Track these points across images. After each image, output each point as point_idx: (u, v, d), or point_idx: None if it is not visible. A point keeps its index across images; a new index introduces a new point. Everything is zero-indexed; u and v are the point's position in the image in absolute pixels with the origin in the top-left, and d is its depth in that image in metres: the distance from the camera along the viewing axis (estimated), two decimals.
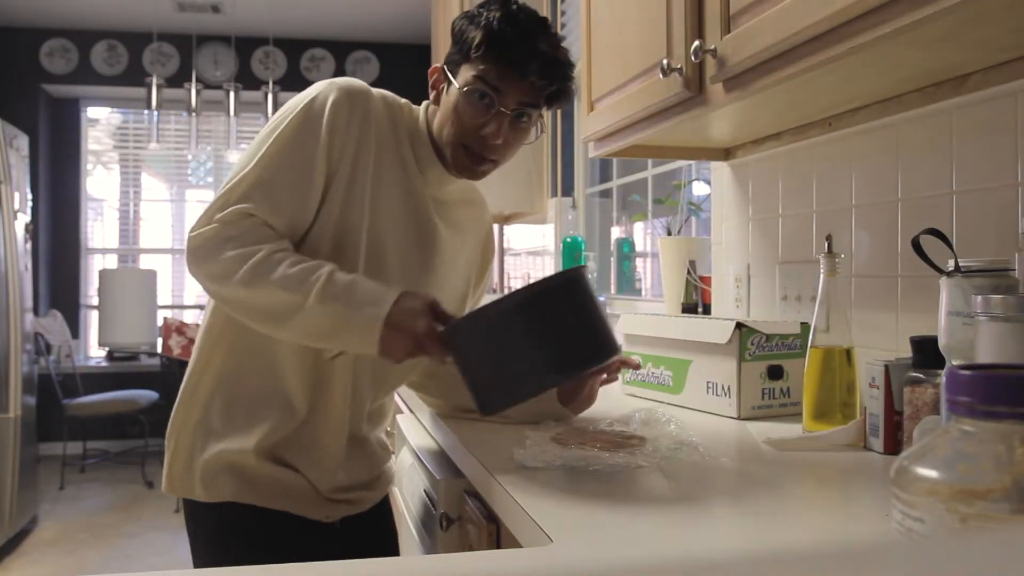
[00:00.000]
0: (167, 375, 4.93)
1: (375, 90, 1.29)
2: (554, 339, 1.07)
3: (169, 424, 1.32)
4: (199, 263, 1.15)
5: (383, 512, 1.48)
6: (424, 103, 1.34)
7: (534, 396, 1.17)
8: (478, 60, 1.21)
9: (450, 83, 1.25)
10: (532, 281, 1.09)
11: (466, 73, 1.22)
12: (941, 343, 1.02)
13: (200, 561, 1.34)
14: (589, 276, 1.14)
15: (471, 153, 1.25)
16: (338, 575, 0.74)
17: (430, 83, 1.30)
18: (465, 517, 1.21)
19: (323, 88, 1.24)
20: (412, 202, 1.30)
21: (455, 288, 1.41)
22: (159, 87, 4.94)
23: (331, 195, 1.21)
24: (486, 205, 1.51)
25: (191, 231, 1.16)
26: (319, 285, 1.08)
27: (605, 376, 1.40)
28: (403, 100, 1.34)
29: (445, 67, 1.27)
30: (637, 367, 1.54)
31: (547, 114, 1.32)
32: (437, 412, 1.49)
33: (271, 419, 1.25)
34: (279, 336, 1.17)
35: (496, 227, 4.28)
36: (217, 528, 1.31)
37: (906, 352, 1.14)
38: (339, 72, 5.90)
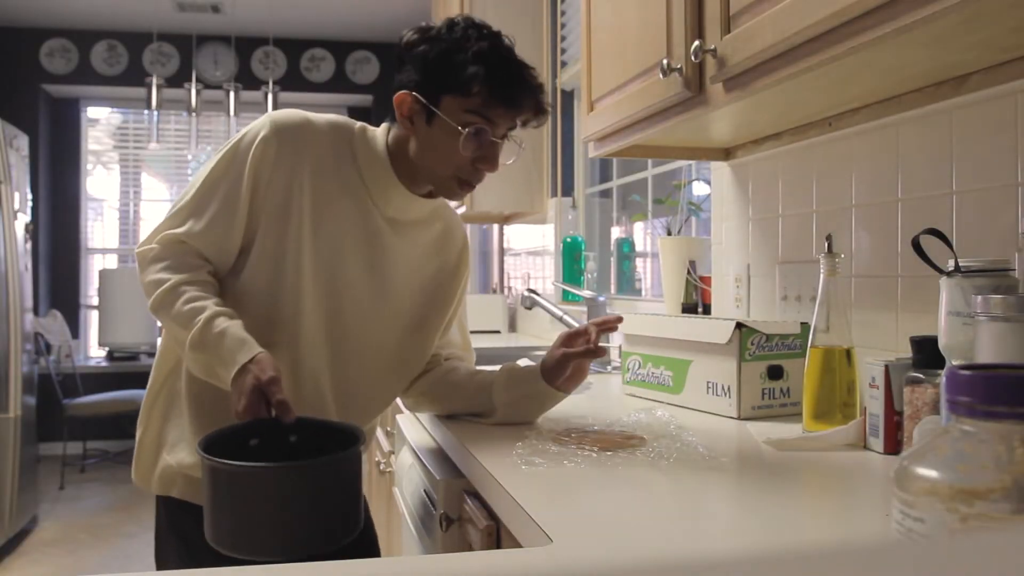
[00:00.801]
0: None
1: (320, 119, 1.32)
2: (292, 522, 1.05)
3: (139, 414, 1.37)
4: (139, 276, 1.27)
5: None
6: (384, 125, 1.33)
7: (265, 558, 1.08)
8: (475, 96, 1.20)
9: (431, 114, 1.23)
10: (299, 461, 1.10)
11: (457, 107, 1.22)
12: (941, 343, 1.02)
13: (157, 549, 1.39)
14: (357, 456, 1.12)
15: (462, 183, 1.28)
16: (338, 575, 0.74)
17: (398, 111, 1.27)
18: (465, 517, 1.21)
19: (256, 125, 1.29)
20: (361, 227, 1.31)
21: (422, 307, 1.40)
22: (159, 87, 4.94)
23: (263, 228, 1.27)
24: (458, 220, 1.49)
25: (137, 246, 1.29)
26: (194, 331, 1.16)
27: (590, 349, 1.33)
28: (357, 125, 1.34)
29: (421, 96, 1.23)
30: (619, 320, 1.43)
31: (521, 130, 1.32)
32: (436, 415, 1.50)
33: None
34: None
35: (496, 227, 4.28)
36: (167, 520, 1.36)
37: (906, 352, 1.14)
38: (339, 72, 5.90)
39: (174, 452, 1.31)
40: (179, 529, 1.33)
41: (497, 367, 1.42)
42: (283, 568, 0.72)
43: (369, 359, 1.36)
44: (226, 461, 1.04)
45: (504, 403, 1.35)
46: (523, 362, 2.13)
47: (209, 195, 1.26)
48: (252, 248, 1.27)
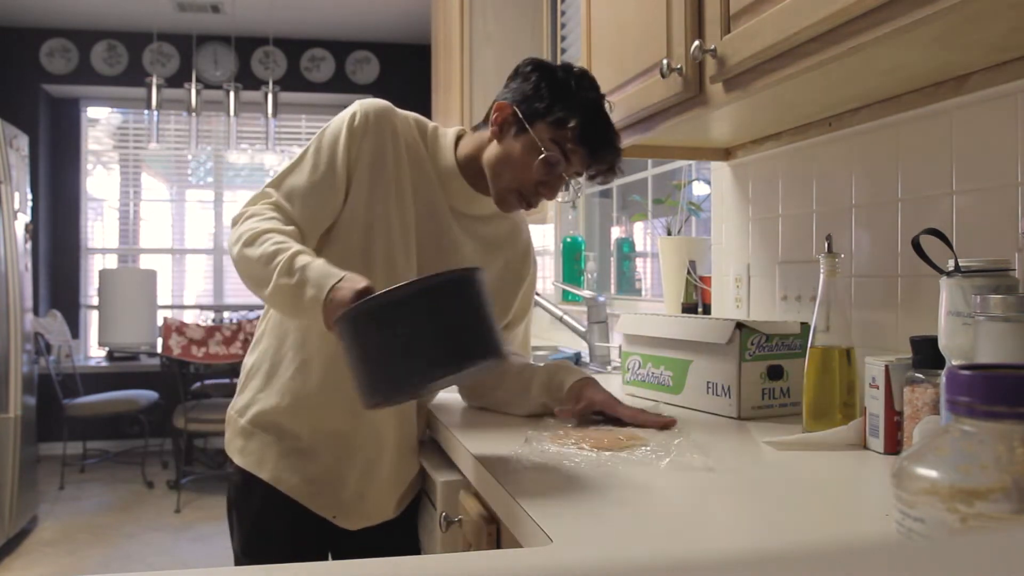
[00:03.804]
0: (167, 375, 4.93)
1: (404, 112, 1.43)
2: (443, 332, 1.04)
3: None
4: (232, 230, 1.34)
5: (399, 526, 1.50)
6: (454, 129, 1.45)
7: (416, 390, 1.13)
8: (567, 131, 1.30)
9: (522, 131, 1.32)
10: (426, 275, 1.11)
11: (546, 134, 1.31)
12: (941, 343, 1.02)
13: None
14: (483, 279, 1.10)
15: (521, 198, 1.36)
16: (338, 575, 0.74)
17: (494, 116, 1.35)
18: (465, 517, 1.21)
19: (350, 108, 1.39)
20: (432, 213, 1.41)
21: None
22: (159, 87, 4.94)
23: (352, 197, 1.37)
24: (524, 221, 1.57)
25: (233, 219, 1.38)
26: (280, 265, 1.20)
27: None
28: (432, 124, 1.46)
29: (519, 111, 1.33)
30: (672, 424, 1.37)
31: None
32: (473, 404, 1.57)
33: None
34: (268, 305, 1.38)
35: None
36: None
37: (906, 352, 1.14)
38: (339, 72, 5.90)
39: (245, 413, 1.43)
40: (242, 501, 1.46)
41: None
42: (285, 568, 0.72)
43: None
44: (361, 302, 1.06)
45: (538, 404, 1.43)
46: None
47: (303, 167, 1.36)
48: (340, 219, 1.36)
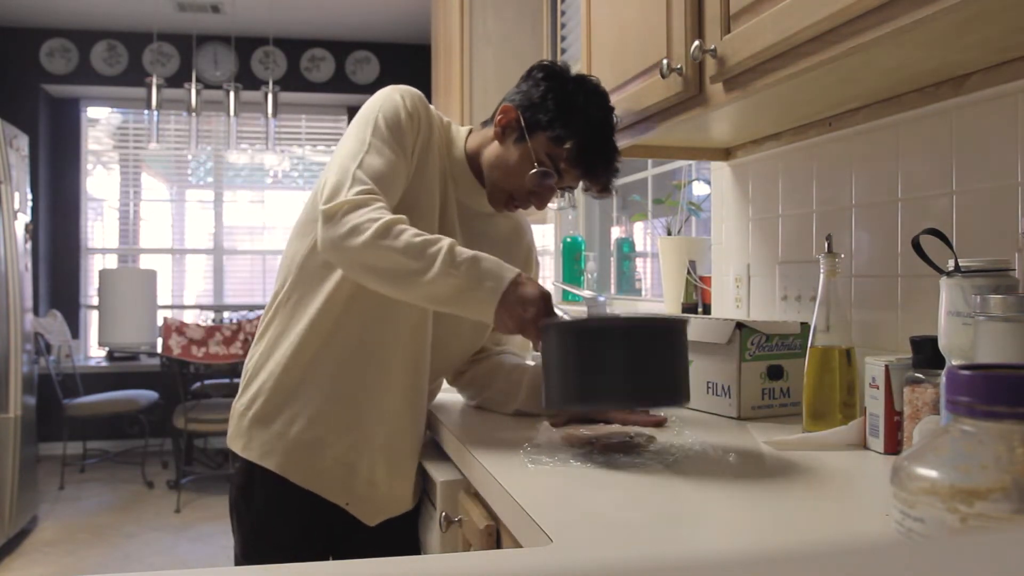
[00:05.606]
0: (167, 375, 4.93)
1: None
2: (638, 372, 1.12)
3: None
4: (329, 229, 1.23)
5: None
6: (466, 127, 1.47)
7: (596, 412, 1.31)
8: (563, 150, 1.31)
9: (522, 139, 1.34)
10: (636, 315, 1.19)
11: (543, 146, 1.33)
12: (941, 343, 1.02)
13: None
14: (688, 328, 1.19)
15: (511, 202, 1.41)
16: (337, 575, 0.74)
17: (498, 119, 1.38)
18: (465, 517, 1.21)
19: (393, 92, 1.37)
20: (444, 202, 1.43)
21: None
22: (159, 87, 4.93)
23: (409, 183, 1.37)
24: (527, 222, 1.60)
25: (323, 204, 1.26)
26: (442, 256, 1.18)
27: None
28: (446, 118, 1.48)
29: (523, 119, 1.35)
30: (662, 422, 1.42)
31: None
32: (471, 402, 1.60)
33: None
34: (396, 296, 1.26)
35: None
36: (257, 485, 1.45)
37: (906, 352, 1.14)
38: (339, 72, 5.90)
39: (252, 406, 1.40)
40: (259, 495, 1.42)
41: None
42: (285, 569, 0.72)
43: (444, 330, 1.45)
44: (578, 319, 1.15)
45: (526, 404, 1.47)
46: None
47: (383, 150, 1.31)
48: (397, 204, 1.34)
